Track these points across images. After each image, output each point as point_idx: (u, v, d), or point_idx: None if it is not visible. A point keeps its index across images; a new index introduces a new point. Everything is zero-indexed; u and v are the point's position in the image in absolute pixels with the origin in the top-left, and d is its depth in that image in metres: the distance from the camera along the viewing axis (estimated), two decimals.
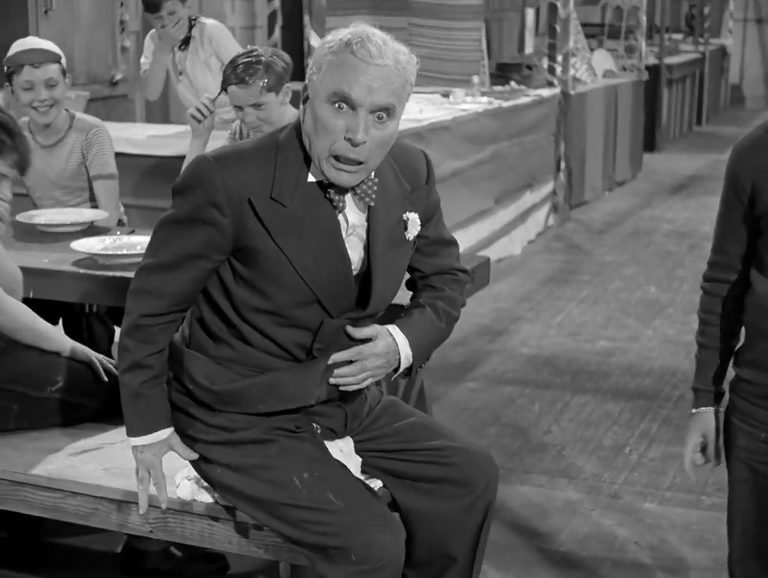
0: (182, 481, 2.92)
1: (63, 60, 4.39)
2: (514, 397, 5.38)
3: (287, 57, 4.33)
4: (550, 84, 9.47)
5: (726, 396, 2.69)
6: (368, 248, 2.63)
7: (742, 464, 2.60)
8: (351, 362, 2.66)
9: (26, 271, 3.59)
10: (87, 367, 3.40)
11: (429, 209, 2.75)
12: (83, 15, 7.82)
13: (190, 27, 5.90)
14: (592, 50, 11.56)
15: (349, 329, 2.64)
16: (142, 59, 6.10)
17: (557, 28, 9.54)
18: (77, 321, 4.62)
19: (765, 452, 2.55)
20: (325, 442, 2.77)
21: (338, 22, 7.91)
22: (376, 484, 2.86)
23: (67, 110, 4.53)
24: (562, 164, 9.46)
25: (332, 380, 2.65)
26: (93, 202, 4.64)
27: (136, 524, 3.00)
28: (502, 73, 9.83)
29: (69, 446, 3.23)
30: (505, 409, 5.23)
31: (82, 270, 3.81)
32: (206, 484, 2.89)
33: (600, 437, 4.92)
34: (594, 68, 10.99)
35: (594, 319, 6.72)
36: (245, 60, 4.22)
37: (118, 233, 4.19)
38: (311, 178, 2.56)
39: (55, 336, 3.42)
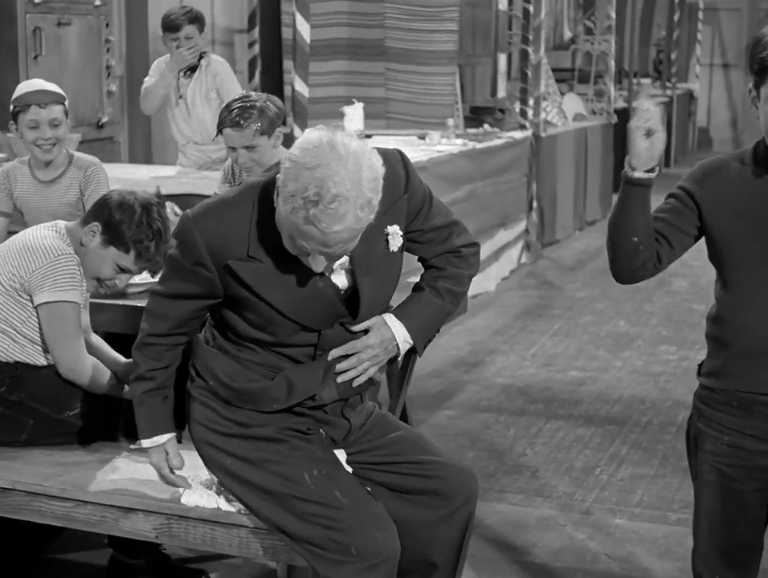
0: (186, 490, 3.17)
1: (67, 102, 4.65)
2: (490, 424, 5.62)
3: (279, 102, 4.59)
4: (522, 127, 9.76)
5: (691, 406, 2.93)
6: (353, 271, 2.82)
7: (709, 467, 2.82)
8: (349, 356, 2.89)
9: None
10: (109, 399, 3.66)
11: (413, 209, 2.89)
12: (71, 61, 8.05)
13: (200, 58, 6.24)
14: (563, 94, 11.86)
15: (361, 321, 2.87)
16: (146, 78, 6.42)
17: (529, 73, 9.84)
18: None
19: (730, 454, 2.78)
20: None
21: (320, 66, 8.20)
22: None
23: (66, 149, 4.78)
24: (534, 204, 9.74)
25: (339, 379, 2.88)
26: None
27: (142, 530, 3.23)
28: (476, 116, 10.15)
29: (79, 460, 3.46)
30: (482, 434, 5.47)
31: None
32: (207, 492, 3.14)
33: (572, 460, 5.17)
34: (564, 112, 11.30)
35: (565, 350, 6.98)
36: (240, 105, 4.47)
37: None
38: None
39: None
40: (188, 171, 6.35)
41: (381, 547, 2.83)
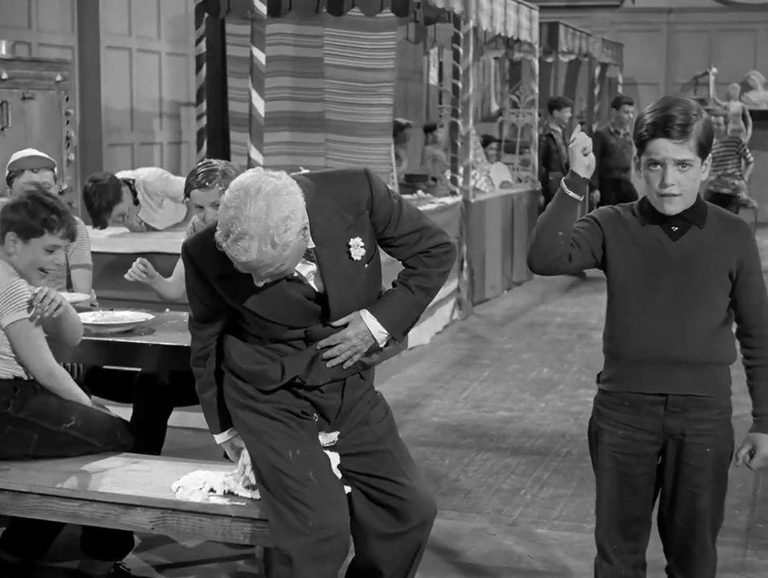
0: (179, 488, 3.81)
1: (56, 169, 5.30)
2: (427, 455, 6.27)
3: (237, 166, 5.22)
4: (453, 193, 10.40)
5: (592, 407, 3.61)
6: (323, 277, 3.42)
7: (607, 456, 3.51)
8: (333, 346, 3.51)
9: None
10: (96, 413, 4.30)
11: (380, 221, 3.44)
12: (34, 132, 8.67)
13: (135, 193, 6.79)
14: (490, 163, 12.62)
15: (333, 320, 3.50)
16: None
17: (459, 143, 10.51)
18: None
19: (623, 445, 3.47)
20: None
21: (270, 137, 8.80)
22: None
23: None
24: (465, 265, 10.40)
25: (328, 364, 3.50)
26: (70, 288, 5.50)
27: (140, 523, 3.86)
28: (410, 183, 10.86)
29: (83, 468, 4.08)
30: (420, 463, 6.06)
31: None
32: (196, 488, 3.77)
33: (500, 483, 5.84)
34: (492, 179, 12.01)
35: (494, 394, 7.66)
36: (204, 169, 5.09)
37: (100, 311, 5.06)
38: None
39: (82, 399, 4.33)
40: (154, 232, 7.02)
41: (333, 525, 3.46)
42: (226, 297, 3.46)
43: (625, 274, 3.42)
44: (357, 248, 3.41)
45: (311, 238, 3.32)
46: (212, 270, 3.41)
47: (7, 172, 5.28)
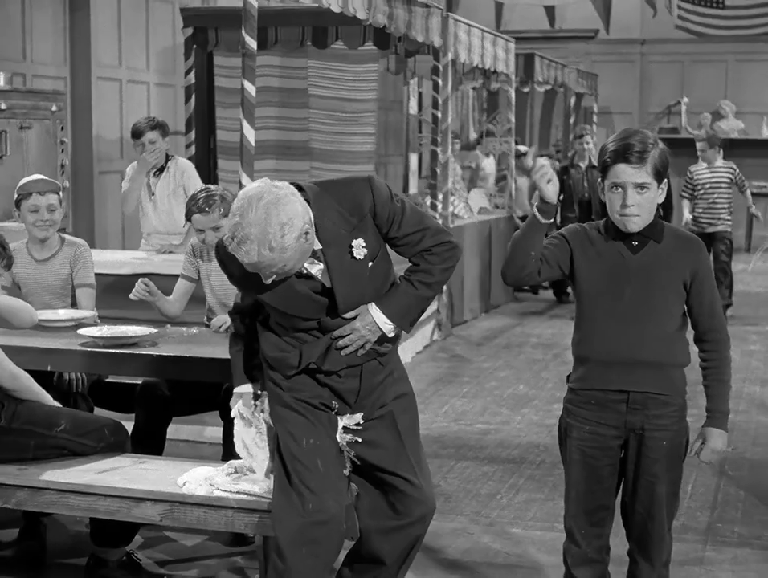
0: (185, 482, 4.17)
1: (62, 193, 5.67)
2: None
3: (233, 191, 5.62)
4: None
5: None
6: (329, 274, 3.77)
7: (575, 449, 3.89)
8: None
9: (47, 351, 4.89)
10: (83, 414, 4.66)
11: (383, 223, 3.75)
12: (31, 160, 9.04)
13: (167, 159, 7.34)
14: (468, 189, 13.01)
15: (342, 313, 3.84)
16: (123, 183, 7.53)
17: (438, 171, 10.91)
18: (65, 399, 5.78)
19: (590, 439, 3.85)
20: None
21: (256, 165, 9.20)
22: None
23: (58, 233, 5.79)
24: (444, 287, 10.76)
25: (342, 352, 3.84)
26: (74, 306, 5.85)
27: (149, 516, 4.21)
28: None
29: (95, 467, 4.43)
30: None
31: (89, 349, 5.04)
32: (201, 482, 4.14)
33: (478, 489, 6.22)
34: (470, 206, 12.40)
35: (473, 409, 8.05)
36: (204, 195, 5.47)
37: (106, 326, 5.41)
38: None
39: (44, 397, 4.67)
40: (153, 255, 7.42)
41: (329, 510, 3.82)
42: (247, 290, 3.89)
43: (591, 284, 3.82)
44: (359, 249, 3.73)
45: (317, 240, 3.70)
46: (235, 268, 3.79)
47: (16, 195, 5.65)
